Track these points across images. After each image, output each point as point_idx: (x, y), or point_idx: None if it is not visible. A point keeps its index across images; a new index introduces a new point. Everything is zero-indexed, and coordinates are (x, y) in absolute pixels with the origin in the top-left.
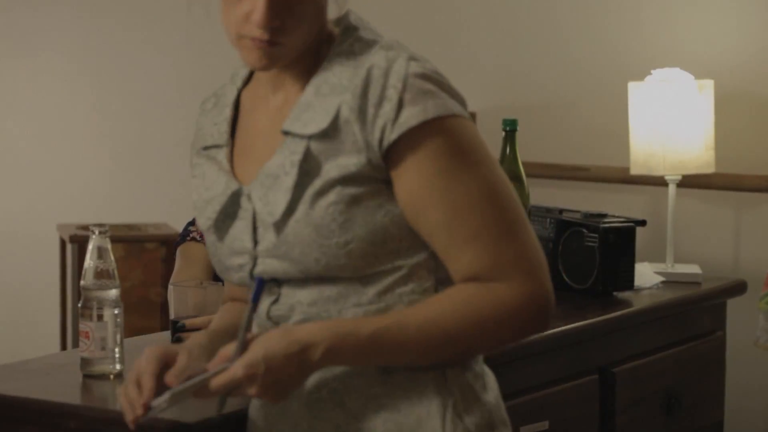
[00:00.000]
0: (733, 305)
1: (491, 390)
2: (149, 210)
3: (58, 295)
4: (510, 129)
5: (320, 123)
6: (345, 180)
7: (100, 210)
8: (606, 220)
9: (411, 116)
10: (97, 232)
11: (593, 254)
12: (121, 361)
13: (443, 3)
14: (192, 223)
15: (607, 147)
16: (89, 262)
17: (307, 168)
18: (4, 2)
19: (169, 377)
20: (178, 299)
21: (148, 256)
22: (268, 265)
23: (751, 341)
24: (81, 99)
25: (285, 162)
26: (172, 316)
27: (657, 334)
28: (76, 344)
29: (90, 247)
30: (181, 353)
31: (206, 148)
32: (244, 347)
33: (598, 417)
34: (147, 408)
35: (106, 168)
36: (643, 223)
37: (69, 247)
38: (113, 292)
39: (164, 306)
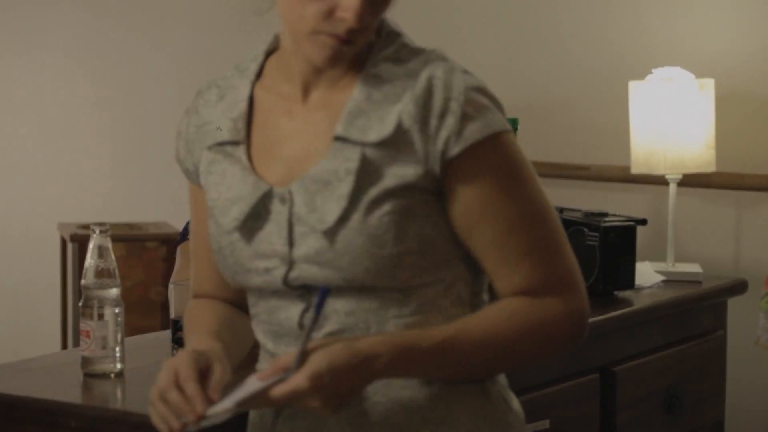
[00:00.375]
0: (733, 304)
1: (514, 399)
2: (150, 209)
3: (58, 294)
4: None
5: (381, 131)
6: (400, 190)
7: (101, 209)
8: (607, 219)
9: (475, 131)
10: (97, 231)
11: (594, 253)
12: (122, 360)
13: (443, 2)
14: None
15: (607, 146)
16: (90, 261)
17: (363, 176)
18: (4, 0)
19: (212, 392)
20: (179, 298)
21: (149, 255)
22: (305, 271)
23: (751, 340)
24: (82, 97)
25: (339, 168)
26: (172, 315)
27: (657, 333)
28: (76, 343)
29: (91, 246)
30: (215, 363)
31: (221, 144)
32: (303, 358)
33: (598, 416)
34: (200, 417)
35: (106, 167)
36: (643, 222)
37: (70, 246)
38: (114, 291)
39: (165, 305)
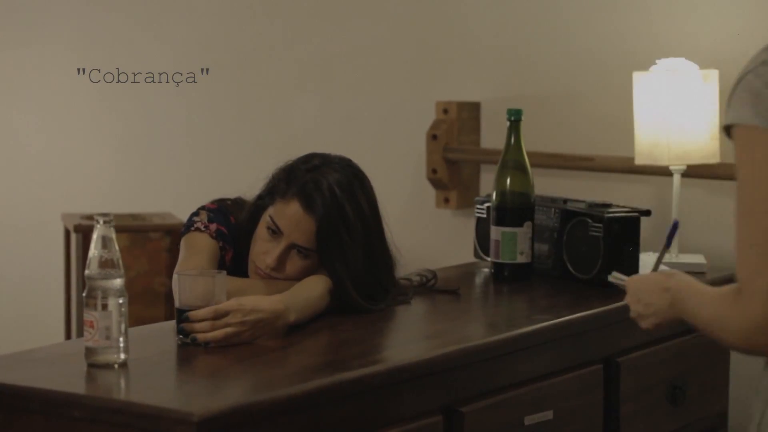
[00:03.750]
0: None
1: None
2: (154, 199)
3: (62, 284)
4: (515, 119)
5: None
6: None
7: (105, 199)
8: (611, 210)
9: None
10: (101, 222)
11: (598, 244)
12: (126, 350)
13: None
14: (196, 213)
15: (611, 137)
16: (94, 251)
17: None
18: None
19: None
20: (186, 288)
21: (153, 246)
22: None
23: None
24: (85, 89)
25: None
26: (177, 305)
27: None
28: (80, 333)
29: (94, 236)
30: None
31: None
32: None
33: (602, 407)
34: None
35: (110, 157)
36: (647, 213)
37: (73, 236)
38: (118, 282)
39: (168, 296)
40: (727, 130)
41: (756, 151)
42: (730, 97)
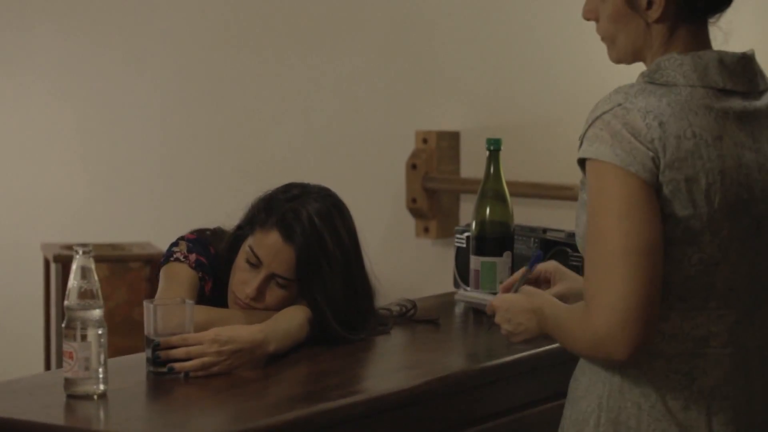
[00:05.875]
0: None
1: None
2: (133, 229)
3: (42, 314)
4: (494, 148)
5: None
6: None
7: (84, 229)
8: None
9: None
10: (80, 252)
11: (578, 274)
12: (105, 381)
13: (427, 23)
14: (176, 244)
15: None
16: (73, 281)
17: None
18: None
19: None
20: (157, 317)
21: (132, 276)
22: None
23: None
24: (64, 119)
25: None
26: (147, 333)
27: None
28: (60, 364)
29: (74, 266)
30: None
31: None
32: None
33: None
34: None
35: (89, 188)
36: None
37: (53, 266)
38: (97, 312)
39: None
40: (581, 162)
41: (609, 185)
42: (585, 133)
